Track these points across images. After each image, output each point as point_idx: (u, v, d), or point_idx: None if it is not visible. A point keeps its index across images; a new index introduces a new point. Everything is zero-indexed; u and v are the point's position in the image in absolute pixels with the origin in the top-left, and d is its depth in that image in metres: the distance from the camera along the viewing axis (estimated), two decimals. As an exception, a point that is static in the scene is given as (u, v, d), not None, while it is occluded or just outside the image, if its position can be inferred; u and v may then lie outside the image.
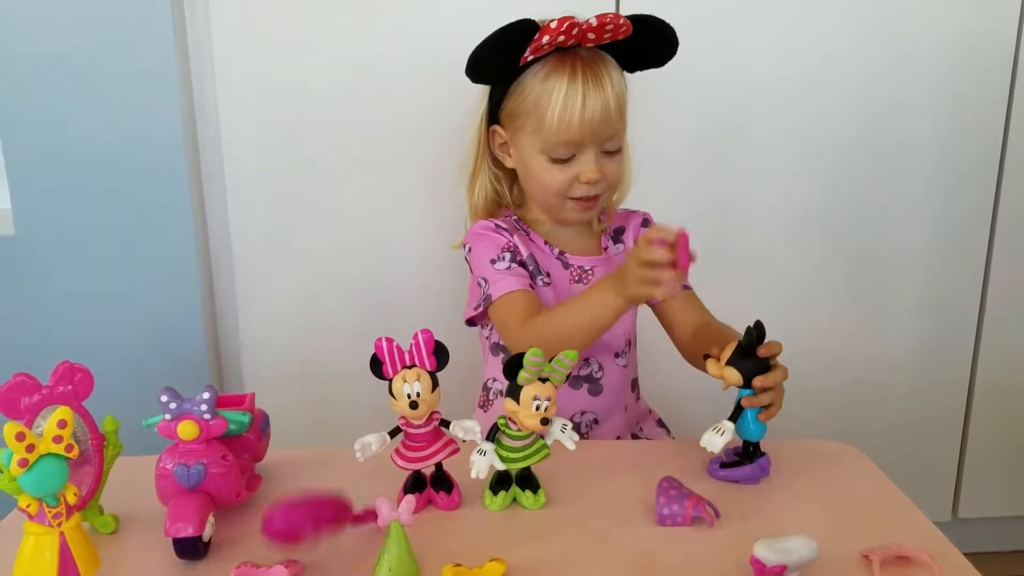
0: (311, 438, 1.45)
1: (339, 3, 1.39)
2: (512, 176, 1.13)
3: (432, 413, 0.84)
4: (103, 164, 1.40)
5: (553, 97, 1.00)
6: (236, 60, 1.40)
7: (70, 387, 0.73)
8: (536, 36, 0.98)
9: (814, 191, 1.52)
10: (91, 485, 0.78)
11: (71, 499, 0.68)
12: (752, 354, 0.90)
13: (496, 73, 1.05)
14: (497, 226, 1.10)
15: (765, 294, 1.53)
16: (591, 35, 1.00)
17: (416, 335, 0.81)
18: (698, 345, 1.06)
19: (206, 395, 0.77)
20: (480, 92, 1.10)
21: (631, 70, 1.07)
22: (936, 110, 1.50)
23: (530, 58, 1.00)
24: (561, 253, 1.11)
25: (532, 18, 0.99)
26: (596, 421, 1.13)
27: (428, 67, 1.40)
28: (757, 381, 0.89)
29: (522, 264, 1.08)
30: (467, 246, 1.11)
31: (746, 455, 0.92)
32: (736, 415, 0.90)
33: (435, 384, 0.82)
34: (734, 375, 0.90)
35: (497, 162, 1.12)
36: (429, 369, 0.81)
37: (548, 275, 1.10)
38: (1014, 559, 1.71)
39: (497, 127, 1.08)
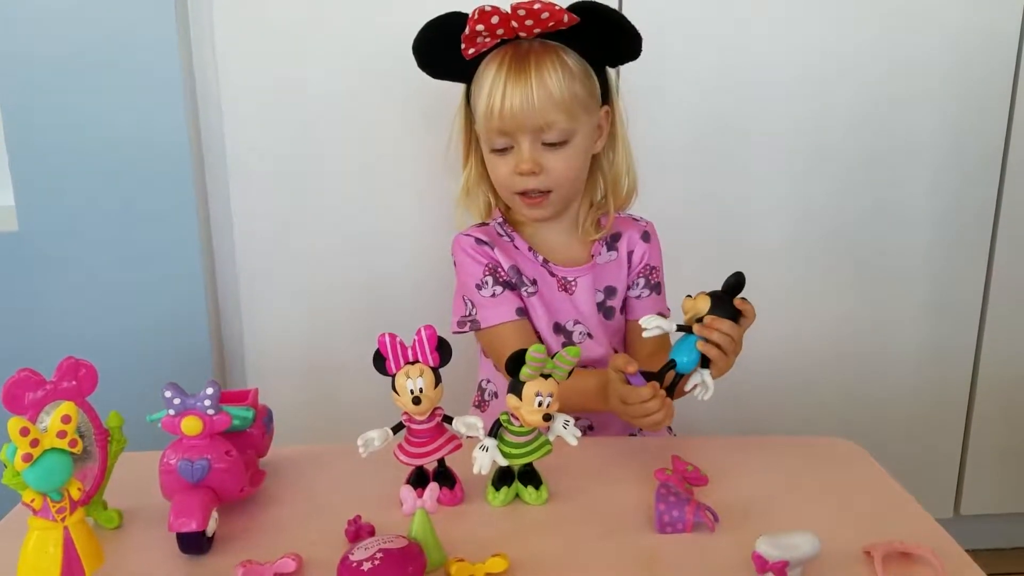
0: (315, 434, 1.45)
1: (342, 0, 1.39)
2: None
3: (435, 409, 0.84)
4: (107, 160, 1.40)
5: (483, 86, 1.01)
6: (239, 56, 1.40)
7: (74, 382, 0.73)
8: (467, 27, 0.99)
9: (816, 190, 1.52)
10: (95, 480, 0.78)
11: (75, 494, 0.69)
12: (729, 300, 0.90)
13: (448, 70, 1.06)
14: (478, 241, 1.08)
15: (767, 292, 1.51)
16: (528, 22, 0.98)
17: (419, 331, 0.81)
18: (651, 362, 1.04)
19: (210, 391, 0.77)
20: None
21: (612, 64, 1.07)
22: (938, 109, 1.50)
23: (471, 52, 1.01)
24: (545, 261, 1.10)
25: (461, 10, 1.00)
26: (591, 428, 1.13)
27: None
28: (711, 320, 0.88)
29: (507, 283, 1.07)
30: (453, 258, 1.12)
31: (659, 374, 0.91)
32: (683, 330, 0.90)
33: (438, 380, 0.82)
34: (705, 300, 0.89)
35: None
36: (432, 365, 0.81)
37: (534, 283, 1.09)
38: (1015, 556, 1.71)
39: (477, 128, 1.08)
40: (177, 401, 0.77)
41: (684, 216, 1.47)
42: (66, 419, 0.67)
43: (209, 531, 0.77)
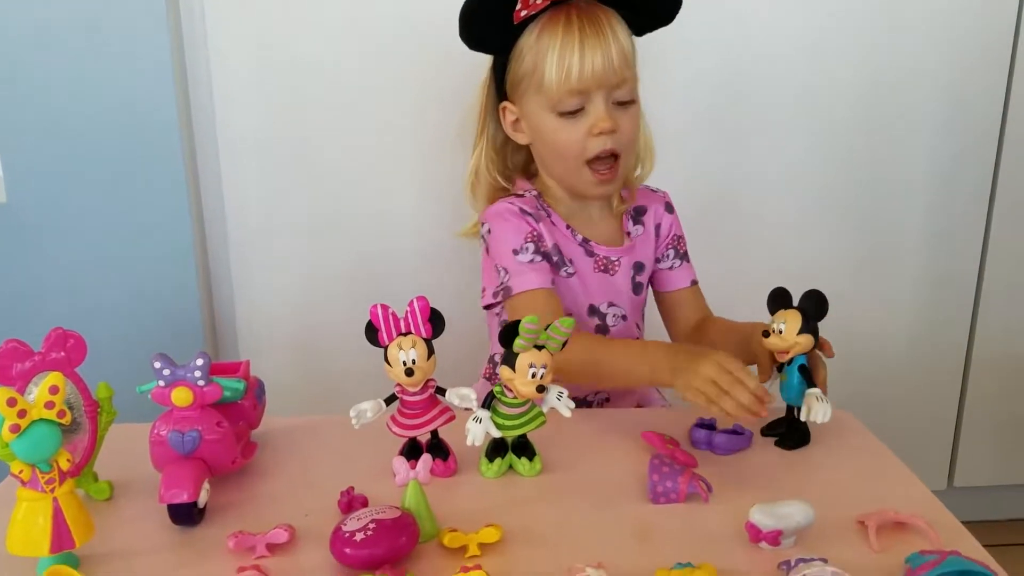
0: (309, 406, 1.44)
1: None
2: (523, 153, 1.11)
3: (428, 381, 0.84)
4: (96, 131, 1.38)
5: (551, 49, 0.98)
6: (230, 27, 1.37)
7: (62, 353, 0.73)
8: None
9: (814, 162, 1.51)
10: (85, 452, 0.78)
11: (64, 465, 0.68)
12: (813, 320, 0.89)
13: (491, 36, 1.02)
14: (522, 210, 1.05)
15: (764, 264, 1.52)
16: None
17: (411, 302, 0.80)
18: (699, 339, 1.08)
19: (200, 361, 0.76)
20: (485, 63, 1.08)
21: (639, 33, 1.05)
22: (936, 81, 1.48)
23: (523, 13, 0.99)
24: (585, 240, 1.08)
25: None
26: (608, 400, 1.13)
27: (428, 35, 1.37)
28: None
29: (545, 255, 1.04)
30: (486, 225, 1.07)
31: (788, 419, 0.93)
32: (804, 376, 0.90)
33: (431, 351, 0.81)
34: (808, 341, 0.88)
35: (502, 135, 1.09)
36: (425, 336, 0.81)
37: (571, 263, 1.07)
38: (1009, 527, 1.72)
39: (507, 103, 1.06)
40: (167, 372, 0.77)
41: (682, 184, 1.45)
42: (54, 390, 0.66)
43: (201, 502, 0.77)
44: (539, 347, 0.81)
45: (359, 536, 0.68)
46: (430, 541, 0.74)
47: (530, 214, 1.05)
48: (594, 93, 0.99)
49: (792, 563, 0.66)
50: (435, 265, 1.46)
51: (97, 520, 0.72)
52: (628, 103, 1.02)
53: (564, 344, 0.82)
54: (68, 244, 1.42)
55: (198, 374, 0.76)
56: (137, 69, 1.36)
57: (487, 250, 1.07)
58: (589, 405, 1.12)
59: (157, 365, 0.77)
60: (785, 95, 1.47)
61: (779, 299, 0.91)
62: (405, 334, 0.80)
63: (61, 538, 0.68)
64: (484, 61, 1.09)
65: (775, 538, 0.71)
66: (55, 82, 1.36)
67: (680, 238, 1.14)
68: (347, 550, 0.68)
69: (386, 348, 0.81)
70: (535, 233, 1.04)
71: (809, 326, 0.88)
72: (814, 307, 0.89)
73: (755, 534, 0.72)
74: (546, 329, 0.81)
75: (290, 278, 1.48)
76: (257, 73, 1.39)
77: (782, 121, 1.48)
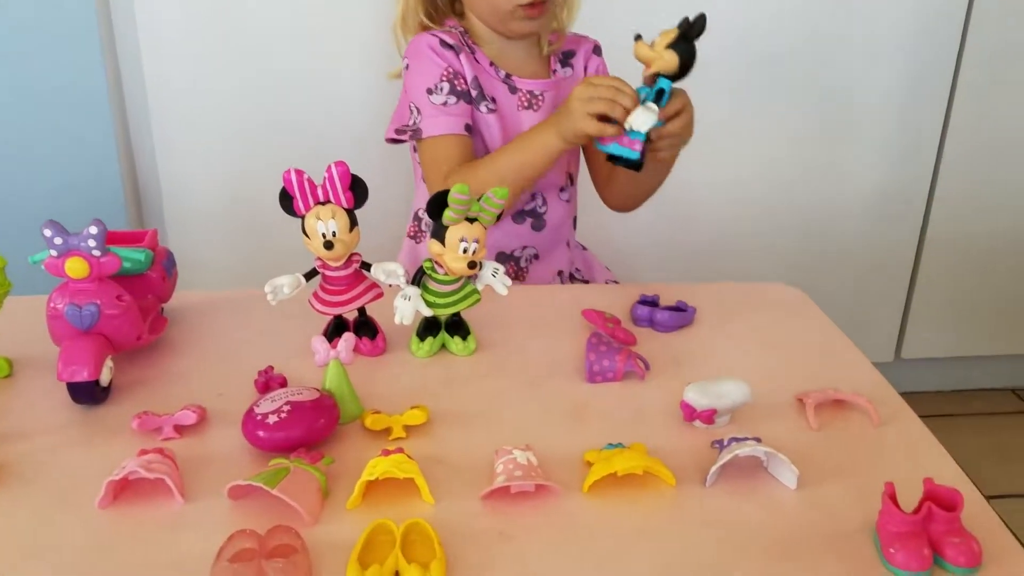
0: (242, 282, 1.38)
1: None
2: None
3: (352, 255, 0.78)
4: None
5: None
6: None
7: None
8: None
9: (774, 29, 1.44)
10: (-26, 327, 0.72)
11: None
12: (691, 44, 0.83)
13: None
14: (442, 42, 1.01)
15: (716, 133, 1.46)
16: None
17: (329, 168, 0.73)
18: (619, 183, 1.06)
19: (93, 230, 0.69)
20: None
21: None
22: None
23: None
24: (508, 76, 1.04)
25: None
26: (536, 256, 1.09)
27: None
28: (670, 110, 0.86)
29: (463, 94, 1.00)
30: (405, 61, 1.03)
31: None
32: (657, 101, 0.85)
33: (353, 223, 0.75)
34: (672, 58, 0.83)
35: None
36: (345, 206, 0.74)
37: (493, 100, 1.02)
38: (956, 398, 1.75)
39: None
40: (58, 241, 0.69)
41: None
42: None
43: (104, 380, 0.71)
44: (471, 220, 0.75)
45: (272, 418, 0.64)
46: (352, 423, 0.70)
47: (451, 46, 1.00)
48: None
49: (725, 442, 0.64)
50: (377, 124, 1.37)
51: (-8, 398, 0.67)
52: None
53: (499, 217, 0.77)
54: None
55: (92, 243, 0.69)
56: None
57: (404, 88, 1.03)
58: (517, 263, 1.08)
59: (48, 233, 0.69)
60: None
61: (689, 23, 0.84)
62: (324, 203, 0.74)
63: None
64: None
65: (709, 417, 0.69)
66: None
67: None
68: (260, 432, 0.64)
69: (303, 219, 0.74)
70: (451, 70, 1.00)
71: (679, 46, 0.83)
72: (690, 27, 0.83)
73: (689, 413, 0.69)
74: (478, 200, 0.75)
75: (219, 147, 1.39)
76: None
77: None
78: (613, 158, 0.88)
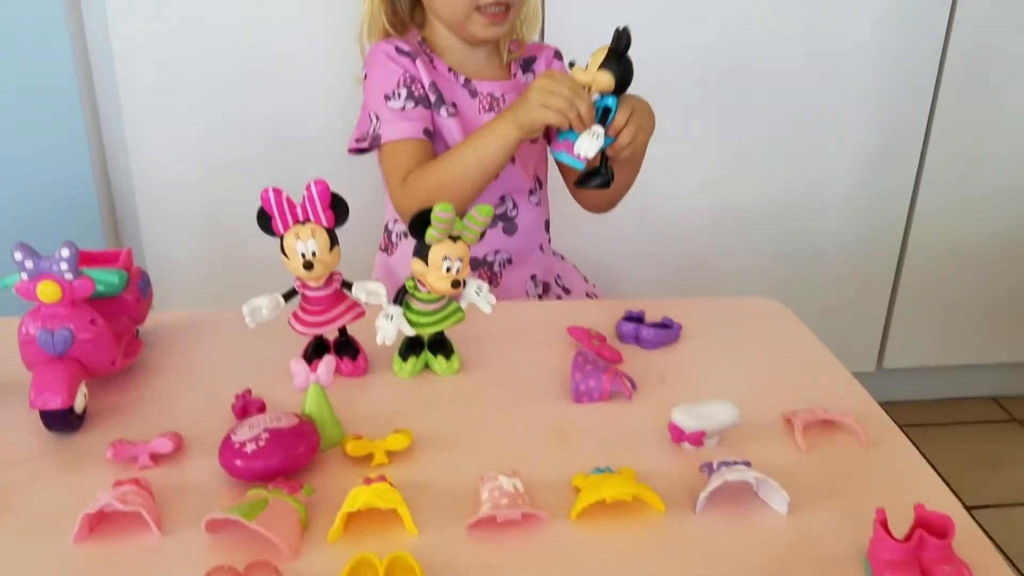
0: (220, 299, 1.36)
1: None
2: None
3: (332, 274, 0.76)
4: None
5: None
6: None
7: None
8: None
9: (755, 33, 1.44)
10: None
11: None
12: (623, 59, 0.85)
13: None
14: (398, 49, 1.01)
15: (696, 142, 1.46)
16: None
17: (309, 186, 0.72)
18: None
19: (65, 252, 0.67)
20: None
21: None
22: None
23: None
24: (468, 81, 1.04)
25: None
26: (510, 261, 1.09)
27: None
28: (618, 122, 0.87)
29: (421, 99, 1.00)
30: (364, 71, 1.03)
31: (601, 166, 0.90)
32: (604, 120, 0.87)
33: (334, 242, 0.74)
34: (606, 78, 0.85)
35: None
36: (325, 225, 0.73)
37: (454, 105, 1.02)
38: (937, 407, 1.75)
39: None
40: (29, 264, 0.67)
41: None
42: None
43: (78, 407, 0.69)
44: (454, 238, 0.74)
45: (250, 447, 0.62)
46: (333, 448, 0.68)
47: (407, 53, 1.00)
48: None
49: (715, 466, 0.63)
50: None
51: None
52: None
53: (482, 235, 0.75)
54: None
55: (64, 266, 0.67)
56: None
57: (364, 98, 1.03)
58: (491, 268, 1.07)
59: (18, 256, 0.67)
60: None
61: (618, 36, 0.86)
62: (303, 222, 0.72)
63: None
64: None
65: (698, 439, 0.68)
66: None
67: None
68: (237, 462, 0.62)
69: (282, 238, 0.72)
70: (408, 75, 1.00)
71: (610, 64, 0.85)
72: (618, 42, 0.84)
73: (677, 435, 0.68)
74: (461, 218, 0.73)
75: (193, 152, 1.36)
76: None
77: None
78: (583, 180, 0.90)
